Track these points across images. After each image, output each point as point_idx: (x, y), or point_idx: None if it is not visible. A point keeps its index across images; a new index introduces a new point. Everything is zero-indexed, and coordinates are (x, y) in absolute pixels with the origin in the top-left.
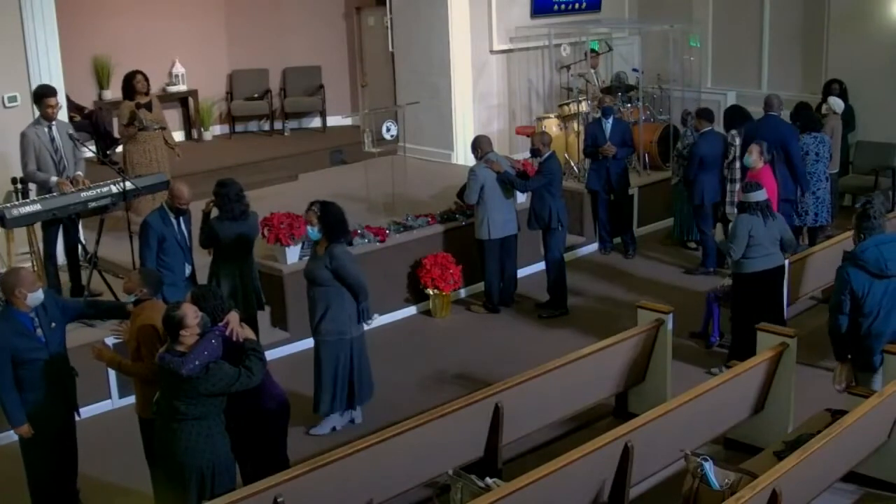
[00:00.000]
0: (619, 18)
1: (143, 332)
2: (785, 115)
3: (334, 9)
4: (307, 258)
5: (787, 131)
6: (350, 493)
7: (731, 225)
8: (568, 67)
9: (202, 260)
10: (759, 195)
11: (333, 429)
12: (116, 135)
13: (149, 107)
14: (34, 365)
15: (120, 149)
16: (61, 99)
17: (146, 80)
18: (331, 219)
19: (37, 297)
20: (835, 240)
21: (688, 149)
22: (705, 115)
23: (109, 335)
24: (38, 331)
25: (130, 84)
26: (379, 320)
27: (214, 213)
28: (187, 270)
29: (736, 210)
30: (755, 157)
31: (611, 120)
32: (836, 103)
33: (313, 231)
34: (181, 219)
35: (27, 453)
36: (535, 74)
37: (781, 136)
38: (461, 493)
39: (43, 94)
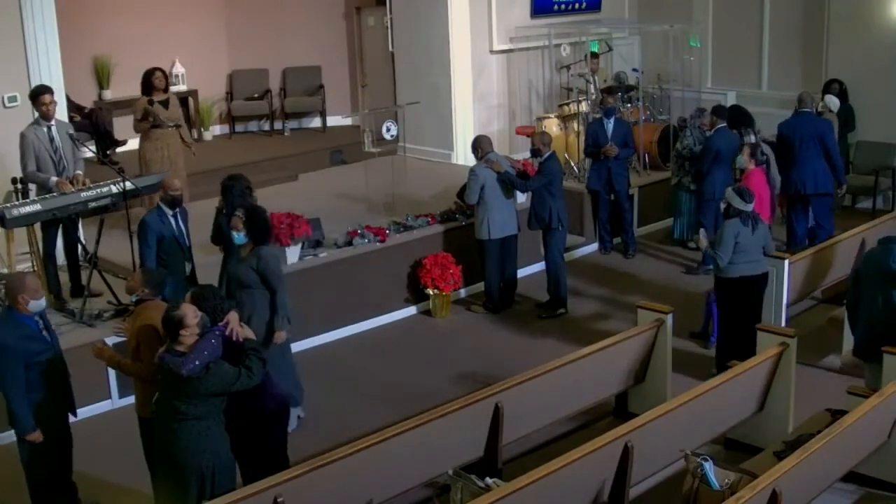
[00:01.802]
0: (619, 18)
1: (144, 331)
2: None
3: (334, 9)
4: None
5: (823, 126)
6: (350, 493)
7: (718, 231)
8: (568, 67)
9: (201, 259)
10: (749, 206)
11: None
12: (116, 135)
13: (165, 104)
14: (41, 367)
15: (129, 147)
16: (61, 99)
17: (165, 77)
18: (256, 224)
19: (39, 304)
20: (835, 239)
21: (687, 149)
22: (719, 112)
23: (110, 334)
24: (44, 332)
25: (149, 80)
26: (379, 320)
27: None
28: (187, 269)
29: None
30: (746, 159)
31: (612, 120)
32: (832, 101)
33: (239, 236)
34: (178, 215)
35: (27, 454)
36: (535, 74)
37: (819, 131)
38: (461, 493)
39: (37, 93)
